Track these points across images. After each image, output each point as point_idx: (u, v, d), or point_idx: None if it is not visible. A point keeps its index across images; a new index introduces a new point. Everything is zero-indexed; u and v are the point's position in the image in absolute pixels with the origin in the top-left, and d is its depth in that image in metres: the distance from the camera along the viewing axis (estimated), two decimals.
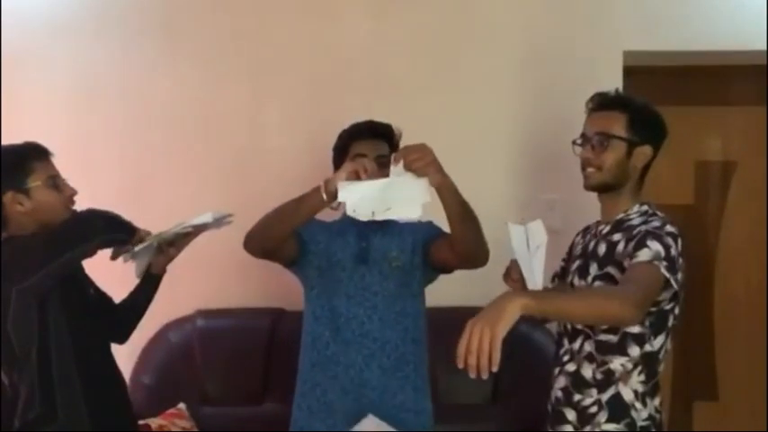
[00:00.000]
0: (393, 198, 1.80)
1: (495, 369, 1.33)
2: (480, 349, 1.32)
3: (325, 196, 1.88)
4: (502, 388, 2.58)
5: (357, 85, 2.82)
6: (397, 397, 1.99)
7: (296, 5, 2.84)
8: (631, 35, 2.81)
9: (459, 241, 1.93)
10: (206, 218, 1.96)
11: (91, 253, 1.84)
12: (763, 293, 3.05)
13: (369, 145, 2.05)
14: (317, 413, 2.00)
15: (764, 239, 3.05)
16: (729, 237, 3.10)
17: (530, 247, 1.86)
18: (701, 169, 3.10)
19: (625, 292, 1.56)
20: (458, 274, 2.12)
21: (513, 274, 1.90)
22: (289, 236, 2.01)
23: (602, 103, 1.86)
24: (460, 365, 1.34)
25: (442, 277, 2.16)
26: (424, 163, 1.78)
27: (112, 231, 1.88)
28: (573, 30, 2.82)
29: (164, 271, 2.11)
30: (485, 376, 1.33)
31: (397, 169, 1.80)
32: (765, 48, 2.74)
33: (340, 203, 1.90)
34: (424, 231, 2.08)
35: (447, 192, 1.84)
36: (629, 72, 2.79)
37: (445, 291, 2.20)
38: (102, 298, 2.07)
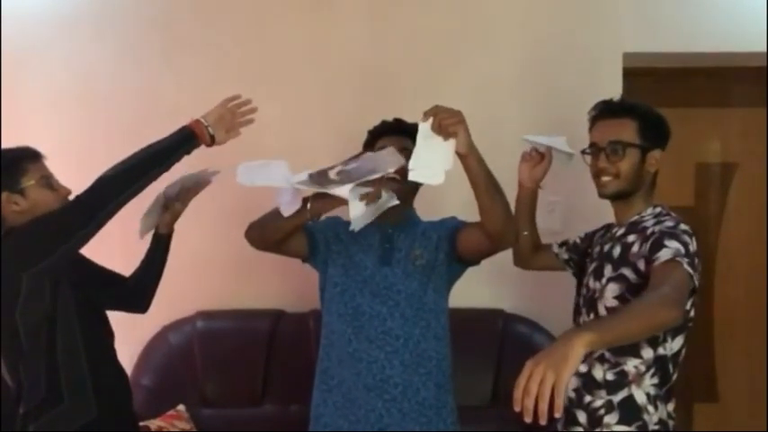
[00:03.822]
0: (417, 160, 1.75)
1: (558, 415, 1.22)
2: (541, 393, 1.22)
3: (309, 215, 1.92)
4: (502, 389, 2.58)
5: (357, 86, 2.82)
6: (420, 393, 1.98)
7: (296, 5, 2.83)
8: (631, 37, 2.81)
9: (488, 216, 1.87)
10: (303, 176, 1.89)
11: (112, 213, 1.81)
12: (762, 295, 3.06)
13: (393, 140, 2.05)
14: (341, 409, 2.00)
15: (764, 241, 3.05)
16: (729, 238, 3.11)
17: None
18: (702, 171, 3.10)
19: (663, 295, 1.50)
20: (472, 275, 2.13)
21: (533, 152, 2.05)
22: (288, 235, 2.02)
23: (609, 110, 1.84)
24: (517, 409, 1.25)
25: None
26: (455, 120, 1.74)
27: (134, 182, 1.84)
28: (573, 32, 2.82)
29: (172, 230, 2.10)
30: (544, 422, 1.23)
31: (424, 127, 1.73)
32: (765, 49, 2.75)
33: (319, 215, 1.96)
34: (447, 226, 2.07)
35: (473, 159, 1.79)
36: (630, 73, 2.79)
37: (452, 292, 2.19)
38: (103, 275, 2.06)
